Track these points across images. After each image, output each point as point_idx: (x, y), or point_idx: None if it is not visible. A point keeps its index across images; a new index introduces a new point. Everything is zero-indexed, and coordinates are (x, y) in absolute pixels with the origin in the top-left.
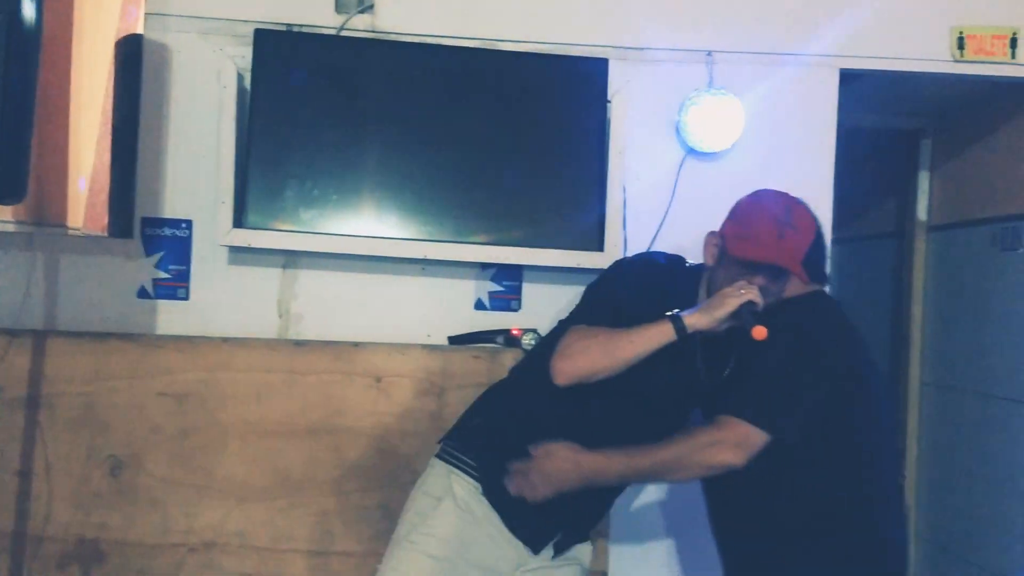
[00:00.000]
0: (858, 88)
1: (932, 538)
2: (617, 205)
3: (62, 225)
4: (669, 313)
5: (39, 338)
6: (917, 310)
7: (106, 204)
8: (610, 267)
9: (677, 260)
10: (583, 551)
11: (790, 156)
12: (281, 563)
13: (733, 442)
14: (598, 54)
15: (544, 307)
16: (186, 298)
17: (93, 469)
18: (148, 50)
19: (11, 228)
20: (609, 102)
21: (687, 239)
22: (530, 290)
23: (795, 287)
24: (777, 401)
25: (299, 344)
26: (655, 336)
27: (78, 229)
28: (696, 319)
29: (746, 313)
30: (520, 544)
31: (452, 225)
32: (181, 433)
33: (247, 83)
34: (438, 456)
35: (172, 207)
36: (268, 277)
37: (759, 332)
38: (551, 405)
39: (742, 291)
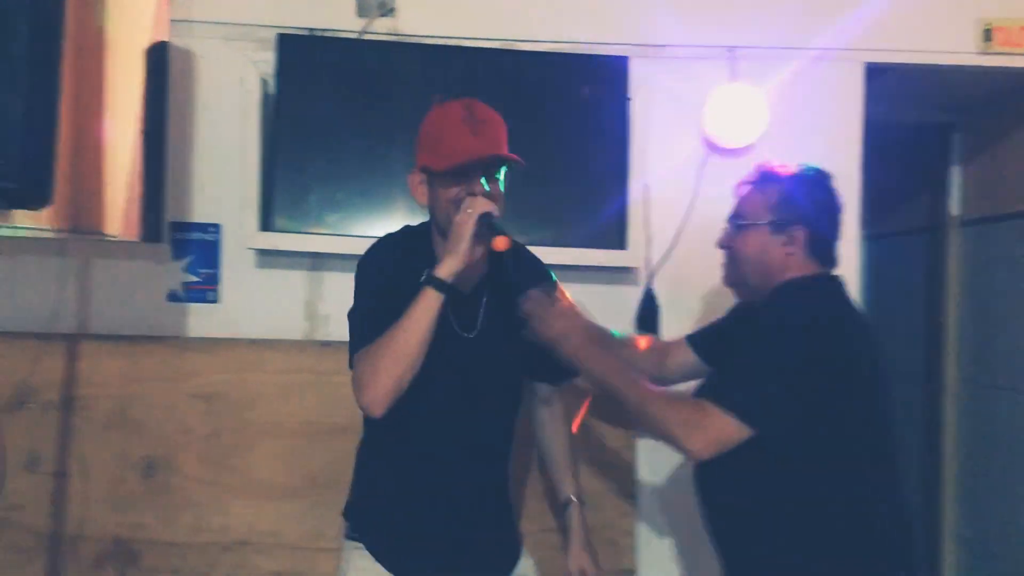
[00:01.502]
0: (887, 82)
1: (969, 536)
2: (640, 203)
3: (99, 232)
4: (422, 279)
5: (72, 342)
6: (952, 305)
7: (136, 211)
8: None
9: (405, 228)
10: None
11: (815, 151)
12: (312, 561)
13: (712, 437)
14: (618, 52)
15: None
16: (216, 301)
17: (127, 470)
18: (174, 57)
19: (50, 235)
20: (630, 100)
21: (711, 236)
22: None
23: (799, 266)
24: (769, 398)
25: (326, 345)
26: (423, 308)
27: (115, 236)
28: (447, 266)
29: (484, 228)
30: None
31: None
32: (212, 433)
33: (271, 88)
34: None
35: (201, 211)
36: (295, 279)
37: (500, 243)
38: (393, 438)
39: (469, 209)
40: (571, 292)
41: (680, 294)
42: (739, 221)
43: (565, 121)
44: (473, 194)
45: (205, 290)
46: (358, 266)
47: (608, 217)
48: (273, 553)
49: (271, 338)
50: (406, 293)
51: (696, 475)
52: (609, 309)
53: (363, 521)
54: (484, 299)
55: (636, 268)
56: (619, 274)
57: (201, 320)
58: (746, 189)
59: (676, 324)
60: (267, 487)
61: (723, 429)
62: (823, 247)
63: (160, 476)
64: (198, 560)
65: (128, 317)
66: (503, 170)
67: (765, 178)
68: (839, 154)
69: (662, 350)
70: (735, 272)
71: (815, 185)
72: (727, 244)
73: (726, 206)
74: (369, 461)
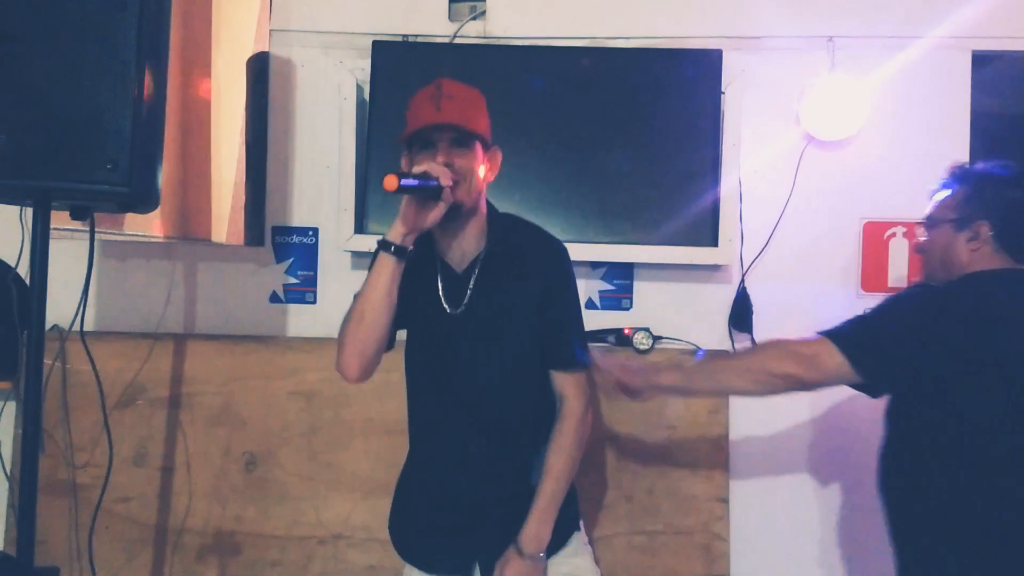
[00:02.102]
0: (996, 71)
1: None
2: (732, 198)
3: (206, 240)
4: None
5: (179, 341)
6: None
7: (240, 216)
8: None
9: None
10: (581, 567)
11: (919, 143)
12: None
13: (804, 354)
14: (712, 45)
15: (656, 305)
16: (314, 302)
17: (230, 464)
18: (275, 66)
19: (160, 241)
20: (723, 93)
21: (809, 232)
22: (642, 288)
23: (985, 260)
24: (875, 338)
25: None
26: (376, 271)
27: (221, 242)
28: (395, 226)
29: (419, 191)
30: None
31: (562, 224)
32: (310, 430)
33: (366, 95)
34: None
35: (300, 216)
36: None
37: (386, 182)
38: (413, 429)
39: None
40: (660, 291)
41: (775, 292)
42: (927, 221)
43: (655, 117)
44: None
45: (304, 291)
46: None
47: (699, 213)
48: (366, 547)
49: None
50: (408, 276)
51: (879, 469)
52: (699, 308)
53: (394, 524)
54: (474, 276)
55: (728, 266)
56: (710, 272)
57: (300, 320)
58: (938, 190)
59: (771, 325)
60: (362, 483)
61: (821, 352)
62: (1014, 242)
63: (260, 471)
64: (296, 553)
65: (231, 318)
66: (479, 144)
67: (954, 177)
68: (945, 147)
69: None
70: (927, 271)
71: (1006, 181)
72: (920, 246)
73: (824, 201)
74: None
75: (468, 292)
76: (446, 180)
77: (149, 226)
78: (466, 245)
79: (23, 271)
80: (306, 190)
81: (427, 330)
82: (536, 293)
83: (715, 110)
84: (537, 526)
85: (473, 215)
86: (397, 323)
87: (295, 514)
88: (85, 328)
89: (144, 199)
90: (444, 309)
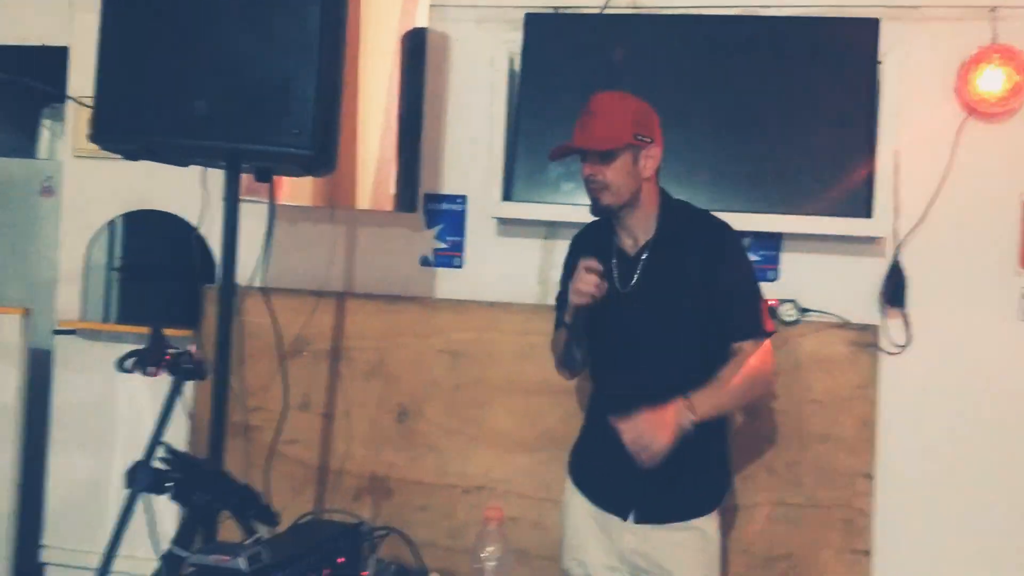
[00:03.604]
0: None
1: None
2: (888, 170)
3: (351, 207)
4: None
5: (340, 299)
6: None
7: (391, 185)
8: None
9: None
10: (706, 522)
11: None
12: (542, 511)
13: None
14: (869, 14)
15: (804, 276)
16: (460, 266)
17: (383, 415)
18: (431, 40)
19: (322, 208)
20: (880, 63)
21: (968, 207)
22: (789, 259)
23: None
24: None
25: None
26: (558, 336)
27: (365, 209)
28: (568, 313)
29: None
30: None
31: (710, 193)
32: (456, 387)
33: (517, 67)
34: None
35: (450, 184)
36: (530, 247)
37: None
38: (593, 387)
39: (579, 284)
40: (809, 263)
41: (930, 268)
42: None
43: (808, 87)
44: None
45: (452, 256)
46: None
47: (852, 185)
48: (507, 499)
49: (508, 301)
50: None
51: None
52: (848, 281)
53: (573, 460)
54: (643, 258)
55: (882, 238)
56: (863, 245)
57: (448, 283)
58: None
59: (925, 301)
60: (503, 439)
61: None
62: None
63: (410, 422)
64: (442, 500)
65: (385, 279)
66: (627, 152)
67: None
68: None
69: None
70: None
71: None
72: None
73: (983, 176)
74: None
75: (637, 273)
76: (595, 291)
77: (300, 196)
78: (636, 232)
79: (205, 231)
80: (456, 159)
81: (604, 309)
82: (701, 271)
83: (871, 80)
84: (702, 397)
85: (634, 208)
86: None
87: (441, 464)
88: (256, 285)
89: (325, 162)
90: (617, 289)
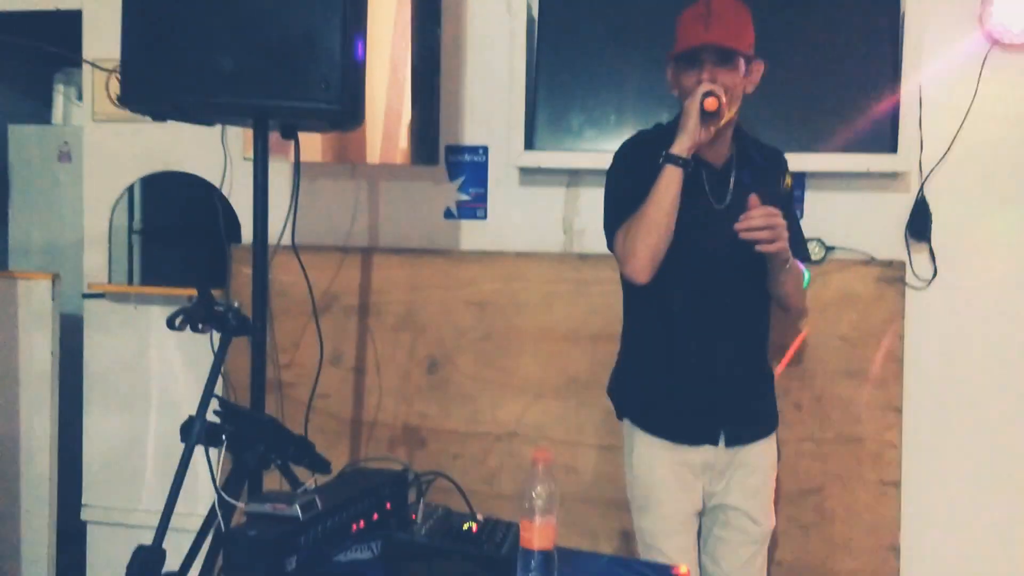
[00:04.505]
0: None
1: None
2: (912, 103)
3: (360, 163)
4: (660, 159)
5: (366, 254)
6: None
7: (402, 138)
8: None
9: (656, 124)
10: (765, 450)
11: None
12: (574, 455)
13: None
14: None
15: (829, 214)
16: (484, 217)
17: (413, 367)
18: None
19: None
20: None
21: (992, 138)
22: (813, 197)
23: None
24: None
25: (583, 258)
26: (665, 182)
27: (383, 163)
28: (678, 143)
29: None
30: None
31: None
32: (484, 337)
33: (535, 12)
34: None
35: (471, 135)
36: (554, 196)
37: (708, 103)
38: (658, 314)
39: (696, 91)
40: (833, 201)
41: (955, 202)
42: None
43: (829, 17)
44: (702, 81)
45: (475, 207)
46: (613, 157)
47: (876, 120)
48: (539, 445)
49: (533, 251)
50: (651, 181)
51: None
52: (873, 217)
53: (628, 397)
54: (733, 173)
55: (907, 173)
56: (887, 180)
57: (472, 235)
58: None
59: (950, 234)
60: (533, 386)
61: None
62: None
63: (441, 373)
64: (475, 447)
65: (411, 232)
66: (742, 60)
67: None
68: None
69: None
70: None
71: None
72: None
73: (1009, 107)
74: (633, 342)
75: (730, 188)
76: (720, 93)
77: (310, 152)
78: (721, 148)
79: (226, 191)
80: (477, 110)
81: (694, 224)
82: (779, 193)
83: (894, 10)
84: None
85: (732, 124)
86: None
87: (473, 412)
88: (283, 243)
89: (352, 116)
90: (711, 204)
